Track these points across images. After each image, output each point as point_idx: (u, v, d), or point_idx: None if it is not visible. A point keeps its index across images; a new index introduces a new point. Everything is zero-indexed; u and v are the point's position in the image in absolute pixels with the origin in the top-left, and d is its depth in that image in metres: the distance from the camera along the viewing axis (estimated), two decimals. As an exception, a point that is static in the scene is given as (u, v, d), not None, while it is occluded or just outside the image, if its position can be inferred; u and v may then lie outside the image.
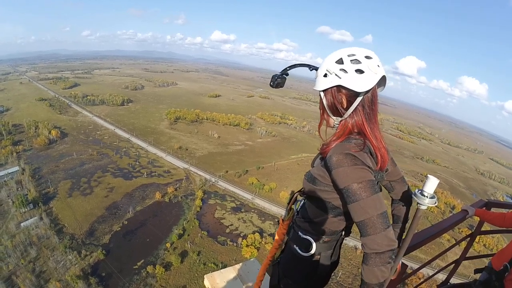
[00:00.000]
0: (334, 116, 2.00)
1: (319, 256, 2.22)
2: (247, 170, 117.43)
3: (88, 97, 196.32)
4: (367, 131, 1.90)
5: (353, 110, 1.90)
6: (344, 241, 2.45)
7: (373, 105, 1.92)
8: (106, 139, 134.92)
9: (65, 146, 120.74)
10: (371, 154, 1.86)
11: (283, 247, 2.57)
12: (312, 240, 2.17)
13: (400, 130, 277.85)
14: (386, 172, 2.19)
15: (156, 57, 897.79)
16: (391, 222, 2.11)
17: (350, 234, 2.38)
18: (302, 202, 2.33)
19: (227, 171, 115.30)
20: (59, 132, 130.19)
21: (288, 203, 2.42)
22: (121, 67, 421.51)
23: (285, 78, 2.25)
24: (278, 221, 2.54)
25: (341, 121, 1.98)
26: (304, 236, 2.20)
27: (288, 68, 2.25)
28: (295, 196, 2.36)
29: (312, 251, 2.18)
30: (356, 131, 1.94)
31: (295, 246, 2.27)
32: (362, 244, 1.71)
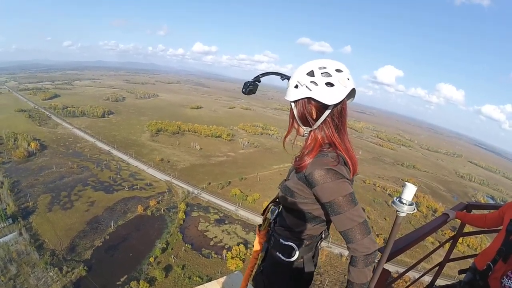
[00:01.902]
0: (304, 126, 2.04)
1: (301, 260, 2.31)
2: (230, 182, 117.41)
3: (68, 108, 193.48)
4: (338, 142, 1.96)
5: (323, 121, 1.94)
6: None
7: (342, 116, 1.99)
8: (87, 152, 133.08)
9: (44, 159, 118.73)
10: (345, 164, 1.94)
11: (263, 256, 2.68)
12: (294, 246, 2.24)
13: (380, 138, 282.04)
14: (356, 175, 2.20)
15: (138, 68, 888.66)
16: None
17: (329, 236, 2.53)
18: (277, 211, 2.44)
19: (209, 183, 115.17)
20: (39, 144, 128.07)
21: (263, 214, 2.59)
22: (102, 78, 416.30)
23: (257, 85, 2.35)
24: (255, 231, 2.71)
25: (310, 131, 2.03)
26: (286, 243, 2.27)
27: (260, 76, 2.35)
28: (269, 206, 2.54)
29: (295, 256, 2.25)
30: (326, 142, 1.99)
31: (277, 253, 2.35)
32: (351, 249, 1.83)
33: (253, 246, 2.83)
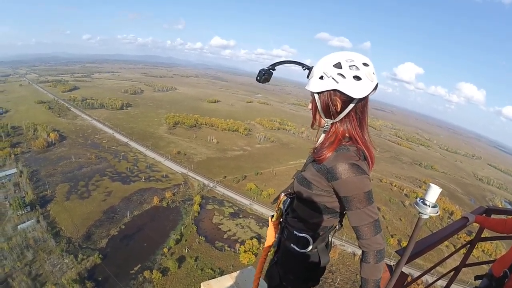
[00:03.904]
0: (326, 117, 2.03)
1: (316, 250, 2.30)
2: (245, 176, 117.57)
3: (87, 100, 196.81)
4: (359, 136, 1.97)
5: (346, 115, 1.95)
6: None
7: (365, 111, 1.99)
8: (105, 143, 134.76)
9: (63, 149, 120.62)
10: (365, 159, 1.96)
11: (275, 247, 2.64)
12: (309, 237, 2.23)
13: (398, 136, 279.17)
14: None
15: (156, 61, 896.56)
16: None
17: (342, 227, 2.42)
18: (288, 201, 2.39)
19: (225, 177, 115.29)
20: (58, 135, 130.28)
21: (273, 203, 2.54)
22: (121, 71, 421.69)
23: (272, 74, 2.24)
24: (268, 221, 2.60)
25: (332, 123, 2.03)
26: (300, 234, 2.25)
27: (277, 64, 2.27)
28: (282, 196, 2.46)
29: (310, 247, 2.24)
30: (347, 135, 1.99)
31: (292, 244, 2.31)
32: (364, 245, 1.91)
33: (265, 240, 2.61)
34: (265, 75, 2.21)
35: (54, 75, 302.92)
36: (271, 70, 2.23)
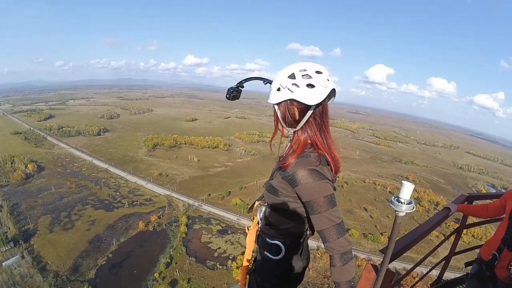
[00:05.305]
0: (287, 127, 2.15)
1: (290, 257, 2.36)
2: (229, 191, 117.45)
3: (63, 128, 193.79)
4: (320, 142, 2.05)
5: (305, 122, 2.02)
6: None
7: (324, 117, 2.07)
8: (84, 171, 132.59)
9: (42, 180, 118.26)
10: (327, 164, 2.04)
11: (254, 255, 2.76)
12: (280, 244, 2.31)
13: (376, 136, 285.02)
14: (339, 173, 2.33)
15: (131, 84, 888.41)
16: None
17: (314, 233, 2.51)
18: (263, 210, 2.52)
19: (209, 194, 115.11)
20: (36, 165, 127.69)
21: (249, 212, 2.72)
22: (96, 96, 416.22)
23: (241, 91, 2.42)
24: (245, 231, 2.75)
25: (294, 132, 2.12)
26: (272, 242, 2.34)
27: (243, 81, 2.43)
28: (256, 205, 2.65)
29: (282, 254, 2.32)
30: (309, 142, 2.08)
31: (265, 252, 2.41)
32: (327, 248, 1.92)
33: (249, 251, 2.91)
34: (233, 93, 2.36)
35: (29, 104, 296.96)
36: (239, 88, 2.40)
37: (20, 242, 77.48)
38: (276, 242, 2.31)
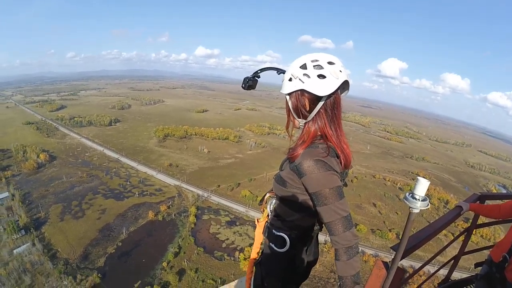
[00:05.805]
0: (298, 118, 2.10)
1: (295, 251, 2.32)
2: (239, 183, 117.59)
3: (75, 118, 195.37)
4: (329, 133, 2.01)
5: (316, 113, 2.00)
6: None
7: (336, 108, 2.02)
8: (95, 161, 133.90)
9: (54, 170, 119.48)
10: (336, 156, 1.98)
11: (262, 247, 2.74)
12: (285, 236, 2.27)
13: (387, 131, 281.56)
14: (351, 168, 2.25)
15: (142, 75, 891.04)
16: None
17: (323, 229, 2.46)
18: (273, 201, 2.47)
19: (219, 186, 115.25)
20: (48, 155, 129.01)
21: (260, 204, 2.66)
22: (107, 87, 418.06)
23: (257, 80, 2.41)
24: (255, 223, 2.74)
25: (305, 123, 2.09)
26: (278, 233, 2.31)
27: (259, 71, 2.42)
28: (266, 197, 2.60)
29: (287, 247, 2.28)
30: (319, 134, 2.04)
31: (271, 243, 2.39)
32: (333, 242, 1.86)
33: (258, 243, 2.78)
34: (249, 82, 2.35)
35: (41, 95, 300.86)
36: (255, 77, 2.39)
37: (31, 230, 78.45)
38: (281, 234, 2.30)
